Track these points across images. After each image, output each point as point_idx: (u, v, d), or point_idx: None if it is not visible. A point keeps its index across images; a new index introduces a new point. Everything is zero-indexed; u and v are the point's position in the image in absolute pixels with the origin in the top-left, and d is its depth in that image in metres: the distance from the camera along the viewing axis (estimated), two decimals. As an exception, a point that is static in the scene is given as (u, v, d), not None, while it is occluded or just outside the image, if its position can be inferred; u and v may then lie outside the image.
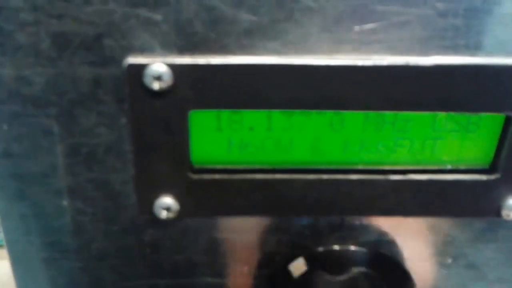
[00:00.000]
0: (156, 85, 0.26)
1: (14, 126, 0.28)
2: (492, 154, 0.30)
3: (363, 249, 0.32)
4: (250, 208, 0.30)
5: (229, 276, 0.34)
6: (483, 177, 0.30)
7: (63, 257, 0.32)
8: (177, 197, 0.29)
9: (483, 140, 0.30)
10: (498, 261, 0.34)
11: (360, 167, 0.30)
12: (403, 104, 0.27)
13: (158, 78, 0.26)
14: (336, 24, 0.25)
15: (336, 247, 0.32)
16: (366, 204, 0.30)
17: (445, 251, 0.33)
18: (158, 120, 0.27)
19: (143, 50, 0.26)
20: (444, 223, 0.32)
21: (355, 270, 0.32)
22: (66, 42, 0.25)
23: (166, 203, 0.29)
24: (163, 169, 0.28)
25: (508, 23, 0.26)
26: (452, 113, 0.28)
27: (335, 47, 0.26)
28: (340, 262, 0.32)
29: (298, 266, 0.32)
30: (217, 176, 0.29)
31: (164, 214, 0.30)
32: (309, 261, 0.32)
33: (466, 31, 0.26)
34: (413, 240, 0.33)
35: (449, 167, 0.30)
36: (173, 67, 0.26)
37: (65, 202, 0.30)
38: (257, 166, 0.30)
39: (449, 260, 0.34)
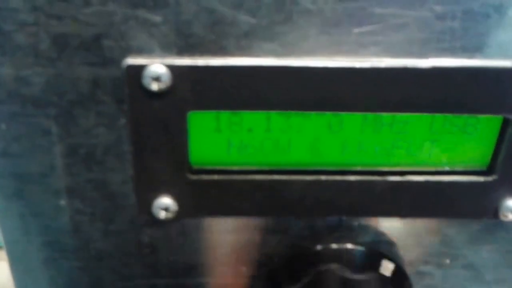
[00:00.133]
0: (155, 86, 0.26)
1: (13, 126, 0.28)
2: (489, 156, 0.30)
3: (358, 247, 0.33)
4: (248, 208, 0.30)
5: (227, 277, 0.34)
6: (481, 178, 0.30)
7: (62, 257, 0.32)
8: (176, 197, 0.29)
9: (481, 142, 0.30)
10: (496, 262, 0.34)
11: (358, 168, 0.30)
12: (401, 106, 0.27)
13: (157, 79, 0.26)
14: (334, 26, 0.26)
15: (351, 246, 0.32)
16: (364, 205, 0.30)
17: (443, 252, 0.33)
18: (157, 121, 0.27)
19: (142, 51, 0.26)
20: (442, 224, 0.32)
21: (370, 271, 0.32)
22: (66, 43, 0.26)
23: (165, 204, 0.29)
24: (162, 169, 0.29)
25: (505, 26, 0.26)
26: (449, 115, 0.28)
27: (334, 49, 0.26)
28: (355, 261, 0.33)
29: (386, 266, 0.32)
30: (216, 177, 0.29)
31: (162, 215, 0.30)
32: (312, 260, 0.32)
33: (463, 34, 0.26)
34: (411, 241, 0.33)
35: (447, 168, 0.30)
36: (172, 68, 0.26)
37: (63, 202, 0.30)
38: (256, 167, 0.30)
39: (447, 261, 0.34)
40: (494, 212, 0.31)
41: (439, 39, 0.26)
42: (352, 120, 0.29)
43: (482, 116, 0.29)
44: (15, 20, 0.25)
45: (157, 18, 0.25)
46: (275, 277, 0.33)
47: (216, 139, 0.29)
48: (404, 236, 0.33)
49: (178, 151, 0.28)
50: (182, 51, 0.26)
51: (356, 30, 0.26)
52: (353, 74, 0.26)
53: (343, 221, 0.32)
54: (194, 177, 0.29)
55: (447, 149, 0.30)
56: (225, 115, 0.28)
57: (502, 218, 0.31)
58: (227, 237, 0.32)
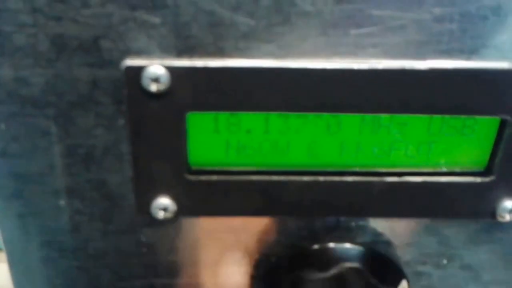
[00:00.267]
0: (153, 87, 0.26)
1: (13, 126, 0.28)
2: (487, 157, 0.30)
3: (355, 246, 0.33)
4: (247, 209, 0.30)
5: (225, 276, 0.34)
6: (478, 179, 0.30)
7: (61, 257, 0.32)
8: (175, 197, 0.30)
9: (478, 143, 0.30)
10: (493, 263, 0.34)
11: (356, 169, 0.30)
12: (399, 107, 0.27)
13: (156, 80, 0.26)
14: (332, 28, 0.26)
15: (329, 245, 0.33)
16: (362, 205, 0.30)
17: (440, 252, 0.34)
18: (156, 122, 0.27)
19: (141, 52, 0.26)
20: (439, 225, 0.33)
21: (345, 265, 0.32)
22: (65, 44, 0.26)
23: (164, 204, 0.30)
24: (161, 170, 0.29)
25: (503, 28, 0.26)
26: (447, 116, 0.28)
27: (332, 51, 0.26)
28: (328, 258, 0.33)
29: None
30: (214, 178, 0.29)
31: (161, 215, 0.30)
32: (299, 259, 0.33)
33: (461, 36, 0.26)
34: (409, 241, 0.33)
35: (444, 169, 0.30)
36: (170, 69, 0.26)
37: (62, 202, 0.30)
38: (254, 168, 0.30)
39: (445, 261, 0.34)
40: (492, 213, 0.31)
41: (437, 41, 0.26)
42: (350, 121, 0.29)
43: (479, 118, 0.29)
44: (15, 21, 0.25)
45: (156, 20, 0.25)
46: (274, 277, 0.33)
47: (215, 140, 0.29)
48: (402, 236, 0.33)
49: (177, 151, 0.28)
50: (181, 53, 0.26)
51: (354, 32, 0.26)
52: (351, 75, 0.26)
53: (341, 221, 0.32)
54: (193, 177, 0.29)
55: (444, 150, 0.30)
56: (223, 116, 0.28)
57: (499, 219, 0.31)
58: (225, 237, 0.32)
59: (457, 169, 0.30)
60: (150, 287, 0.34)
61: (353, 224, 0.32)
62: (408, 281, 0.33)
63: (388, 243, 0.33)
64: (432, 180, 0.30)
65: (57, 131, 0.28)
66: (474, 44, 0.26)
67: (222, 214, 0.31)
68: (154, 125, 0.27)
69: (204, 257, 0.33)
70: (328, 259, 0.32)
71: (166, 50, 0.26)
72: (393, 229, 0.33)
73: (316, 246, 0.32)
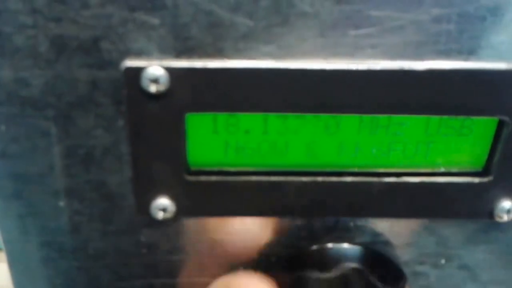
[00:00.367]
0: (153, 88, 0.26)
1: (12, 127, 0.28)
2: (485, 157, 0.30)
3: (354, 246, 0.33)
4: (245, 209, 0.30)
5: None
6: (476, 179, 0.30)
7: (61, 257, 0.32)
8: (174, 198, 0.30)
9: (476, 144, 0.30)
10: (491, 263, 0.34)
11: (355, 169, 0.30)
12: (397, 108, 0.27)
13: (155, 81, 0.26)
14: (331, 29, 0.26)
15: (327, 245, 0.33)
16: (361, 206, 0.30)
17: (438, 252, 0.34)
18: (155, 123, 0.27)
19: (140, 53, 0.26)
20: (437, 225, 0.33)
21: (347, 265, 0.32)
22: (64, 45, 0.26)
23: (163, 204, 0.30)
24: (160, 170, 0.29)
25: (500, 29, 0.26)
26: (445, 117, 0.29)
27: (330, 52, 0.26)
28: (330, 259, 0.33)
29: None
30: (213, 178, 0.29)
31: (160, 215, 0.30)
32: (299, 260, 0.33)
33: (459, 36, 0.26)
34: (407, 241, 0.33)
35: (442, 169, 0.30)
36: (170, 70, 0.26)
37: (62, 203, 0.30)
38: (253, 168, 0.30)
39: (442, 261, 0.34)
40: (489, 213, 0.31)
41: (435, 41, 0.26)
42: (349, 121, 0.29)
43: (477, 118, 0.29)
44: (15, 22, 0.25)
45: (155, 21, 0.25)
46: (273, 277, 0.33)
47: (214, 141, 0.29)
48: (400, 236, 0.33)
49: (176, 152, 0.28)
50: (180, 54, 0.26)
51: (352, 33, 0.26)
52: (349, 76, 0.26)
53: (340, 221, 0.32)
54: (192, 178, 0.29)
55: (442, 150, 0.30)
56: (222, 117, 0.28)
57: (497, 219, 0.31)
58: (224, 237, 0.32)
59: (455, 170, 0.30)
60: (149, 287, 0.34)
61: (351, 224, 0.32)
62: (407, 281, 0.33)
63: (386, 243, 0.33)
64: (430, 180, 0.30)
65: (57, 132, 0.28)
66: (472, 45, 0.26)
67: (221, 215, 0.31)
68: (153, 125, 0.27)
69: (203, 257, 0.33)
70: (328, 260, 0.32)
71: (165, 51, 0.26)
72: (392, 229, 0.33)
73: (315, 247, 0.33)
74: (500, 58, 0.27)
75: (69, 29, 0.25)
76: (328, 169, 0.30)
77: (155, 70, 0.26)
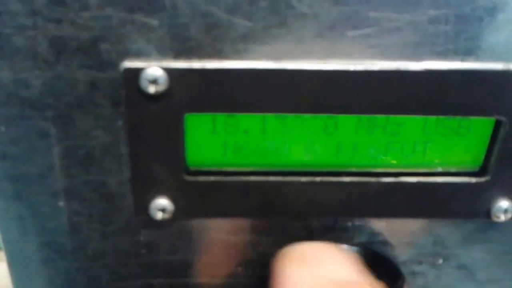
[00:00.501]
0: (152, 89, 0.26)
1: (12, 128, 0.28)
2: (482, 157, 0.30)
3: (352, 247, 0.33)
4: (244, 209, 0.30)
5: (223, 277, 0.34)
6: (473, 179, 0.30)
7: (60, 257, 0.32)
8: (173, 198, 0.30)
9: (473, 144, 0.30)
10: (488, 262, 0.34)
11: (352, 169, 0.30)
12: (394, 108, 0.27)
13: (154, 82, 0.26)
14: (329, 30, 0.26)
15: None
16: (358, 205, 0.31)
17: (436, 252, 0.34)
18: (154, 123, 0.27)
19: (139, 54, 0.26)
20: (435, 224, 0.33)
21: None
22: (64, 46, 0.26)
23: (162, 205, 0.30)
24: (159, 171, 0.29)
25: (498, 29, 0.26)
26: (442, 117, 0.29)
27: (328, 52, 0.26)
28: None
29: None
30: (212, 178, 0.29)
31: (159, 215, 0.30)
32: None
33: (456, 37, 0.26)
34: (405, 241, 0.33)
35: (440, 169, 0.31)
36: (168, 71, 0.26)
37: (61, 203, 0.30)
38: (252, 169, 0.30)
39: (440, 261, 0.34)
40: (487, 213, 0.31)
41: (432, 42, 0.26)
42: (347, 122, 0.29)
43: (475, 118, 0.29)
44: (14, 23, 0.25)
45: (154, 22, 0.25)
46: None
47: (212, 141, 0.29)
48: (398, 236, 0.33)
49: (175, 152, 0.28)
50: (178, 54, 0.26)
51: (350, 34, 0.26)
52: (347, 76, 0.26)
53: (337, 221, 0.32)
54: (191, 178, 0.29)
55: (440, 150, 0.30)
56: (221, 117, 0.28)
57: (494, 219, 0.31)
58: (223, 237, 0.32)
59: (452, 169, 0.31)
60: (149, 287, 0.34)
61: (350, 224, 0.32)
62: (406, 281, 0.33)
63: (384, 243, 0.33)
64: (428, 180, 0.30)
65: (56, 133, 0.28)
66: (469, 45, 0.26)
67: (219, 215, 0.31)
68: (152, 126, 0.27)
69: (202, 257, 0.33)
70: None
71: (164, 52, 0.26)
72: (390, 229, 0.33)
73: None
74: (497, 58, 0.27)
75: (69, 30, 0.25)
76: (326, 169, 0.30)
77: (154, 71, 0.26)
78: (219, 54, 0.26)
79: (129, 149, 0.28)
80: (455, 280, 0.35)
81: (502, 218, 0.31)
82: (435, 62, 0.27)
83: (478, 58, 0.27)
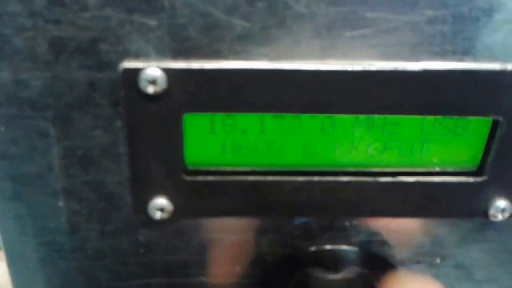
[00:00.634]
0: (150, 89, 0.26)
1: (11, 128, 0.28)
2: (479, 157, 0.30)
3: (354, 248, 0.33)
4: (242, 209, 0.31)
5: (221, 276, 0.34)
6: (471, 179, 0.30)
7: (59, 257, 0.32)
8: (171, 198, 0.30)
9: (471, 143, 0.30)
10: (486, 261, 0.34)
11: (350, 169, 0.30)
12: (392, 108, 0.27)
13: (153, 82, 0.26)
14: (327, 30, 0.26)
15: (329, 247, 0.33)
16: (356, 205, 0.31)
17: (433, 251, 0.34)
18: (153, 123, 0.27)
19: (138, 54, 0.26)
20: (432, 224, 0.33)
21: (350, 269, 0.33)
22: (63, 47, 0.26)
23: (160, 204, 0.30)
24: (158, 170, 0.29)
25: (494, 29, 0.26)
26: (440, 117, 0.29)
27: (326, 53, 0.26)
28: (334, 261, 0.33)
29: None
30: (210, 178, 0.30)
31: (158, 215, 0.30)
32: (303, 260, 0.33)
33: (453, 37, 0.26)
34: (403, 241, 0.33)
35: (437, 169, 0.31)
36: (167, 71, 0.26)
37: (60, 203, 0.30)
38: (250, 168, 0.30)
39: (438, 260, 0.34)
40: (484, 212, 0.31)
41: (429, 42, 0.26)
42: (345, 121, 0.29)
43: (472, 118, 0.29)
44: (14, 24, 0.25)
45: (152, 23, 0.25)
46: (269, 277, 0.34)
47: (211, 141, 0.29)
48: (396, 236, 0.33)
49: (174, 152, 0.28)
50: (177, 55, 0.26)
51: (348, 34, 0.26)
52: (345, 77, 0.27)
53: (335, 221, 0.32)
54: (189, 178, 0.29)
55: (437, 150, 0.30)
56: (219, 118, 0.29)
57: (492, 218, 0.31)
58: (221, 236, 0.32)
59: (450, 169, 0.31)
60: (147, 286, 0.34)
61: (347, 223, 0.32)
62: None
63: (382, 243, 0.33)
64: (425, 180, 0.30)
65: (55, 133, 0.28)
66: (466, 46, 0.27)
67: (218, 214, 0.31)
68: (151, 126, 0.28)
69: (201, 257, 0.33)
70: (328, 261, 0.33)
71: (163, 52, 0.26)
72: (388, 229, 0.33)
73: (314, 248, 0.33)
74: (494, 58, 0.27)
75: (68, 31, 0.25)
76: (324, 169, 0.30)
77: (153, 71, 0.26)
78: (218, 55, 0.26)
79: (128, 149, 0.28)
80: (453, 280, 0.35)
81: (500, 217, 0.31)
82: (432, 62, 0.27)
83: (475, 58, 0.27)
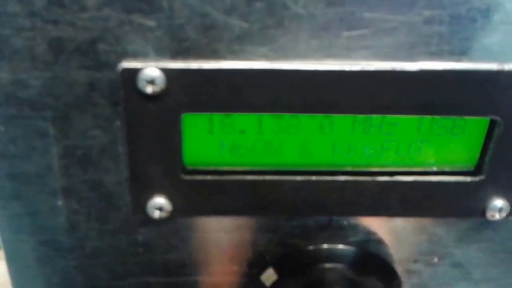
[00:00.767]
0: (149, 89, 0.26)
1: (11, 128, 0.28)
2: (477, 157, 0.30)
3: (343, 247, 0.33)
4: (240, 208, 0.31)
5: (219, 275, 0.34)
6: (468, 179, 0.30)
7: (58, 256, 0.32)
8: (170, 197, 0.30)
9: (468, 143, 0.30)
10: (483, 261, 0.34)
11: (348, 168, 0.30)
12: (390, 108, 0.28)
13: (152, 82, 0.26)
14: (325, 31, 0.26)
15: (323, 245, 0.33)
16: (354, 204, 0.31)
17: (431, 251, 0.34)
18: (152, 123, 0.27)
19: (137, 54, 0.26)
20: (430, 223, 0.33)
21: (328, 266, 0.33)
22: (62, 47, 0.26)
23: (159, 203, 0.30)
24: (157, 170, 0.29)
25: (491, 30, 0.26)
26: (437, 117, 0.29)
27: (324, 53, 0.27)
28: (308, 261, 0.33)
29: (268, 276, 0.33)
30: (209, 177, 0.30)
31: (157, 214, 0.30)
32: (279, 265, 0.33)
33: (451, 38, 0.26)
34: (400, 240, 0.33)
35: (435, 169, 0.31)
36: (166, 71, 0.26)
37: (60, 202, 0.30)
38: (248, 168, 0.30)
39: (435, 260, 0.34)
40: (482, 212, 0.31)
41: (427, 43, 0.26)
42: (343, 121, 0.29)
43: (469, 118, 0.29)
44: (13, 24, 0.25)
45: (151, 23, 0.25)
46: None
47: (209, 141, 0.29)
48: (394, 235, 0.33)
49: (172, 152, 0.29)
50: (176, 55, 0.26)
51: (346, 34, 0.26)
52: (343, 77, 0.27)
53: (333, 220, 0.32)
54: (188, 177, 0.29)
55: (435, 150, 0.30)
56: (218, 117, 0.29)
57: (489, 217, 0.31)
58: (219, 236, 0.33)
59: (448, 169, 0.31)
60: (146, 285, 0.34)
61: (345, 223, 0.32)
62: (400, 280, 0.33)
63: (380, 242, 0.33)
64: (423, 179, 0.30)
65: (55, 133, 0.28)
66: (464, 46, 0.27)
67: (216, 213, 0.31)
68: (149, 126, 0.28)
69: (199, 256, 0.33)
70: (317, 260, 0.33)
71: (162, 53, 0.26)
72: (385, 228, 0.33)
73: (311, 247, 0.33)
74: (491, 58, 0.27)
75: (67, 31, 0.25)
76: (322, 168, 0.30)
77: (151, 71, 0.26)
78: (216, 55, 0.26)
79: (127, 148, 0.28)
80: (450, 279, 0.35)
81: (497, 216, 0.31)
82: (430, 63, 0.27)
83: (472, 59, 0.27)
